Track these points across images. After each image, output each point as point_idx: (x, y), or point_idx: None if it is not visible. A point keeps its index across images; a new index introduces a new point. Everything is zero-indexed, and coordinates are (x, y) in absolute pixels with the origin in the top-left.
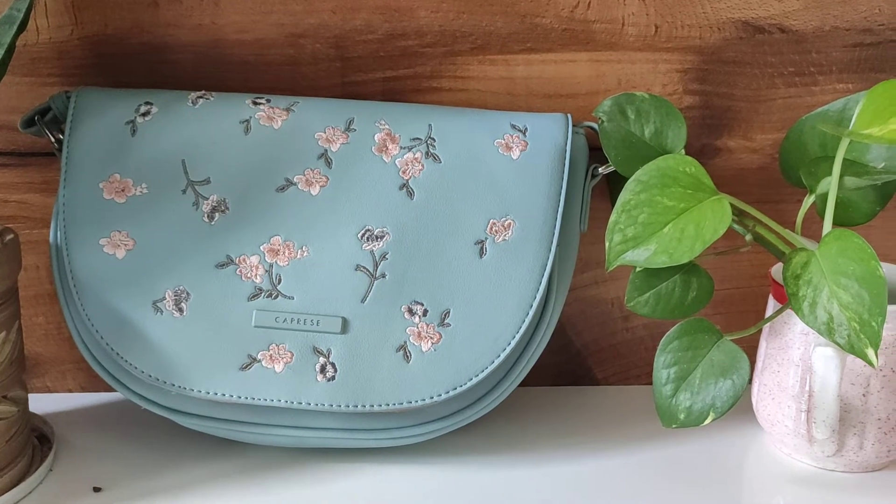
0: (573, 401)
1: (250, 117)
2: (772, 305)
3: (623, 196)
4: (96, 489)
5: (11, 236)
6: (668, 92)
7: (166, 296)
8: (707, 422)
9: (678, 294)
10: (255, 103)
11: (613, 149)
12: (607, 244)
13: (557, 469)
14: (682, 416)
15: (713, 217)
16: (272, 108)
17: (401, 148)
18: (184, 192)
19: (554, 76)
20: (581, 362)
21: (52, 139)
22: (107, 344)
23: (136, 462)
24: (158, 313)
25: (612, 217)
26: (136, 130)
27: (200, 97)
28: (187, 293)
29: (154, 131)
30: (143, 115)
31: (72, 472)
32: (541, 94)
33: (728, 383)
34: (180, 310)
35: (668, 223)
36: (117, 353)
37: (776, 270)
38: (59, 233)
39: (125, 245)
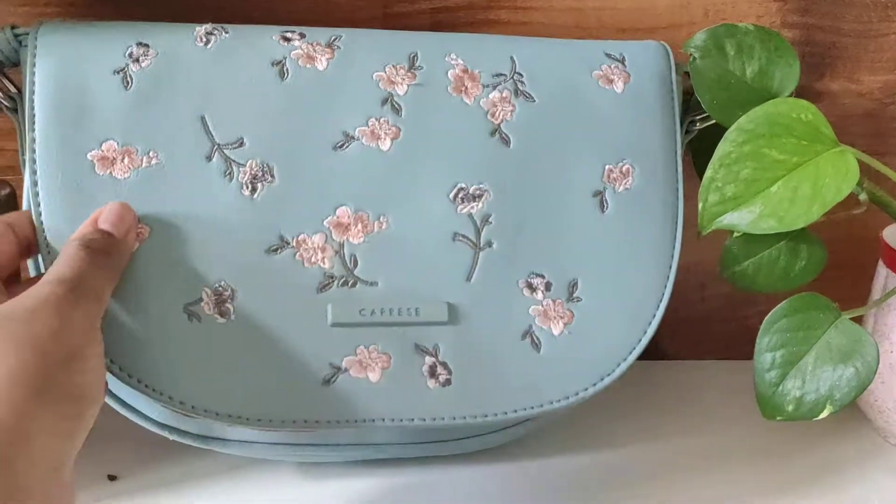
0: (641, 377)
1: (285, 57)
2: (882, 273)
3: (722, 147)
4: (111, 477)
5: (7, 190)
6: (763, 24)
7: (203, 296)
8: (823, 415)
9: (783, 263)
10: (285, 39)
11: (708, 91)
12: (700, 204)
13: (627, 454)
14: (790, 408)
15: (835, 174)
16: (310, 44)
17: (483, 86)
18: (209, 158)
19: (631, 6)
20: None
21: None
22: (120, 369)
23: (156, 447)
24: (194, 320)
25: (708, 172)
26: (132, 82)
27: (211, 33)
28: (232, 290)
29: (156, 82)
30: (137, 60)
31: (84, 457)
32: (614, 27)
33: (850, 371)
34: (224, 313)
35: (778, 180)
36: (137, 381)
37: (890, 233)
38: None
39: (137, 236)
